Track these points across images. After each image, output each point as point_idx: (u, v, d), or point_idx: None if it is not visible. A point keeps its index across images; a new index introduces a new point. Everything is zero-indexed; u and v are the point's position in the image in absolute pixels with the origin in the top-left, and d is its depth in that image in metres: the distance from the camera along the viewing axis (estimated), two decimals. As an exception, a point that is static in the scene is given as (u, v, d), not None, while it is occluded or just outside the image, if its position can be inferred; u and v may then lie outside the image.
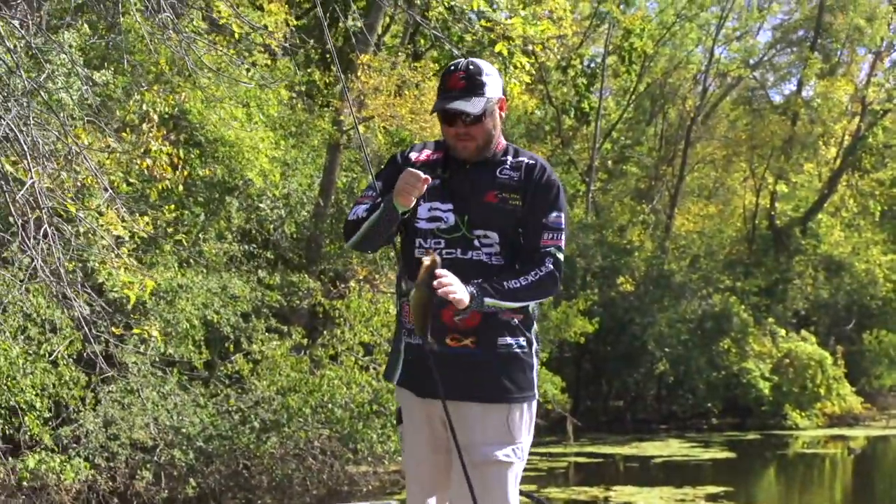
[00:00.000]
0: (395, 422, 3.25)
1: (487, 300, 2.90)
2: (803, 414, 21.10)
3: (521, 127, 20.88)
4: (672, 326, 20.87)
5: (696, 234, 24.58)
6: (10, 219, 5.43)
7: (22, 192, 4.58)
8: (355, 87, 12.01)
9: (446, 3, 8.26)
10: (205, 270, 10.33)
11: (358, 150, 12.85)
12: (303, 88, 13.70)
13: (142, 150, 6.84)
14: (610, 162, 25.27)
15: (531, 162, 3.09)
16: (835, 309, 25.91)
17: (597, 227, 21.47)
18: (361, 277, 12.23)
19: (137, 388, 9.17)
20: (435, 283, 2.83)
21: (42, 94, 5.61)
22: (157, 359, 9.41)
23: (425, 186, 2.94)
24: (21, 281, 6.12)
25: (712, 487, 12.39)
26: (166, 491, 9.38)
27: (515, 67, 9.17)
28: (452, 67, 3.06)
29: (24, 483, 8.33)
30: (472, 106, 2.97)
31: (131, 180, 8.03)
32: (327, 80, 13.71)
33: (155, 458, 9.30)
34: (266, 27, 9.32)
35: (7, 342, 7.73)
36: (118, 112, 8.34)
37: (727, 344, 21.34)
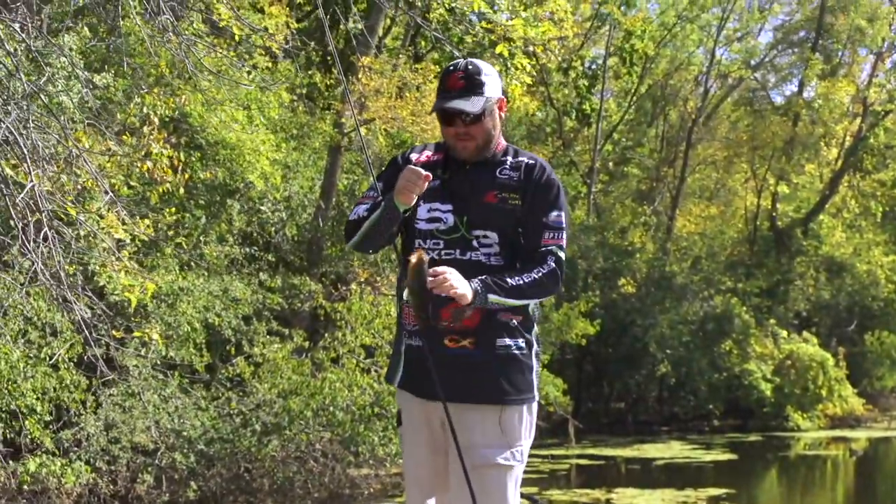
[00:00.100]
0: (395, 424, 3.23)
1: (491, 296, 2.90)
2: (805, 415, 21.07)
3: (523, 129, 20.88)
4: (673, 328, 20.84)
5: (698, 236, 24.56)
6: (11, 222, 5.42)
7: (22, 195, 4.57)
8: (356, 90, 12.00)
9: (447, 5, 8.24)
10: (206, 273, 10.32)
11: (359, 153, 12.85)
12: (304, 91, 13.70)
13: (142, 152, 6.83)
14: (611, 163, 25.26)
15: (531, 162, 3.09)
16: (836, 310, 25.88)
17: (598, 228, 21.45)
18: (363, 280, 12.21)
19: (138, 391, 9.15)
20: (429, 280, 2.81)
21: (42, 97, 5.60)
22: (159, 362, 9.39)
23: (426, 184, 2.94)
24: (22, 284, 6.10)
25: (714, 489, 12.36)
26: (167, 494, 9.36)
27: (516, 69, 9.15)
28: (451, 67, 3.06)
29: (25, 486, 8.31)
30: (471, 105, 2.98)
31: (132, 183, 8.03)
32: (328, 83, 13.70)
33: (156, 461, 9.28)
34: (266, 29, 9.31)
35: (8, 346, 7.72)
36: (119, 115, 8.33)
37: (729, 345, 21.32)
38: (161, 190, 7.59)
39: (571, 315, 16.74)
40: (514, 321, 3.03)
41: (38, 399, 8.13)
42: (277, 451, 10.08)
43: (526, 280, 2.94)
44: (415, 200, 2.96)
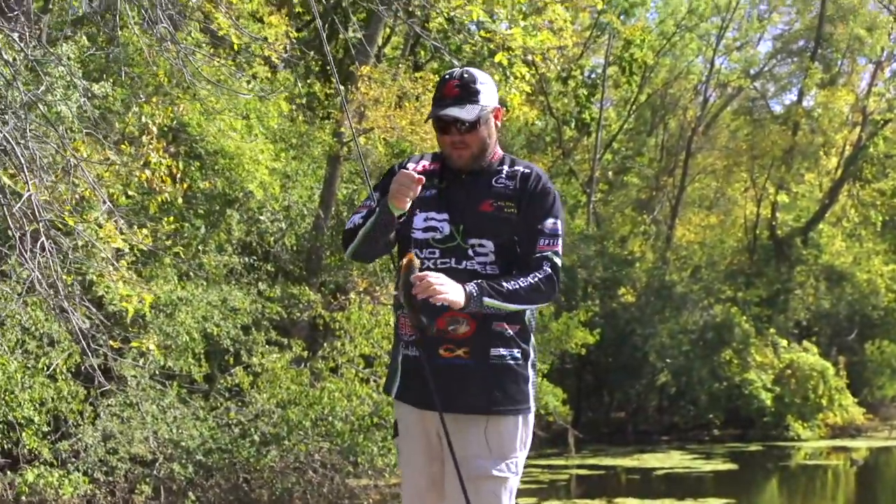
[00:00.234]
0: (392, 434, 3.21)
1: (486, 300, 2.88)
2: (805, 425, 21.02)
3: (522, 138, 20.88)
4: (673, 337, 20.81)
5: (698, 245, 24.55)
6: (9, 232, 5.40)
7: (19, 204, 4.55)
8: (355, 99, 11.99)
9: (446, 14, 8.24)
10: (205, 283, 10.30)
11: (360, 160, 12.83)
12: (303, 101, 13.69)
13: (141, 162, 6.81)
14: (611, 173, 25.26)
15: (526, 171, 3.09)
16: (836, 319, 25.86)
17: (598, 238, 21.44)
18: (362, 289, 12.18)
19: (137, 401, 9.12)
20: (414, 288, 2.80)
21: (40, 106, 5.59)
22: (157, 372, 9.37)
23: (419, 187, 2.93)
24: (19, 294, 6.08)
25: (714, 499, 12.33)
26: (165, 505, 9.33)
27: (515, 77, 9.14)
28: (447, 76, 3.07)
29: (23, 497, 8.28)
30: (467, 113, 2.97)
31: (131, 193, 8.01)
32: (328, 92, 13.70)
33: (154, 472, 9.25)
34: (266, 39, 9.31)
35: (5, 356, 7.69)
36: (117, 124, 8.32)
37: (729, 355, 21.28)
38: (160, 199, 7.57)
39: (571, 324, 16.70)
40: (510, 331, 3.02)
41: (35, 410, 8.10)
42: (276, 461, 10.04)
43: (522, 285, 2.92)
44: (409, 204, 2.95)
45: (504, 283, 2.91)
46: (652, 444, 19.61)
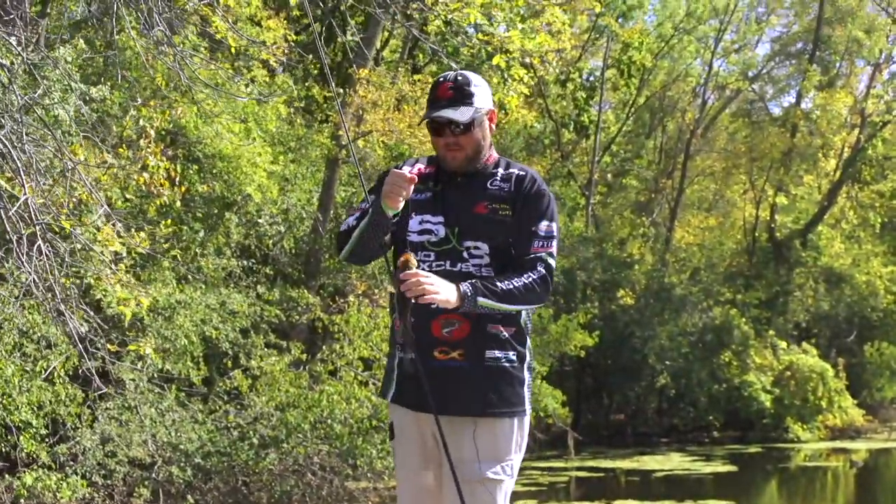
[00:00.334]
0: (389, 437, 3.21)
1: (481, 300, 2.88)
2: (805, 427, 21.02)
3: (521, 140, 20.88)
4: (673, 339, 20.81)
5: (697, 247, 24.55)
6: (6, 235, 5.40)
7: (15, 207, 4.55)
8: (354, 102, 12.00)
9: (444, 17, 8.25)
10: (203, 286, 10.29)
11: (357, 164, 12.83)
12: (301, 104, 13.70)
13: (139, 165, 6.82)
14: (609, 175, 25.27)
15: (521, 173, 3.09)
16: (836, 321, 25.86)
17: (597, 240, 21.44)
18: (360, 292, 12.19)
19: (135, 404, 9.12)
20: (402, 286, 2.80)
21: (37, 110, 5.59)
22: (156, 375, 9.36)
23: (412, 187, 2.94)
24: (16, 298, 6.08)
25: (714, 501, 12.32)
26: (164, 508, 9.33)
27: (513, 79, 9.15)
28: (441, 78, 3.08)
29: (22, 501, 8.27)
30: (460, 114, 2.98)
31: (129, 196, 8.02)
32: (326, 95, 13.71)
33: (153, 475, 9.24)
34: (265, 42, 9.32)
35: (2, 360, 7.69)
36: (115, 128, 8.32)
37: (728, 357, 21.28)
38: (158, 203, 7.58)
39: (570, 327, 16.70)
40: (505, 333, 3.02)
41: (33, 413, 8.10)
42: (275, 464, 10.03)
43: (517, 285, 2.92)
44: (402, 204, 2.95)
45: (498, 283, 2.91)
46: (651, 446, 19.61)
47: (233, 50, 7.26)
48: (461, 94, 3.00)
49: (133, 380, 9.11)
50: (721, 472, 15.73)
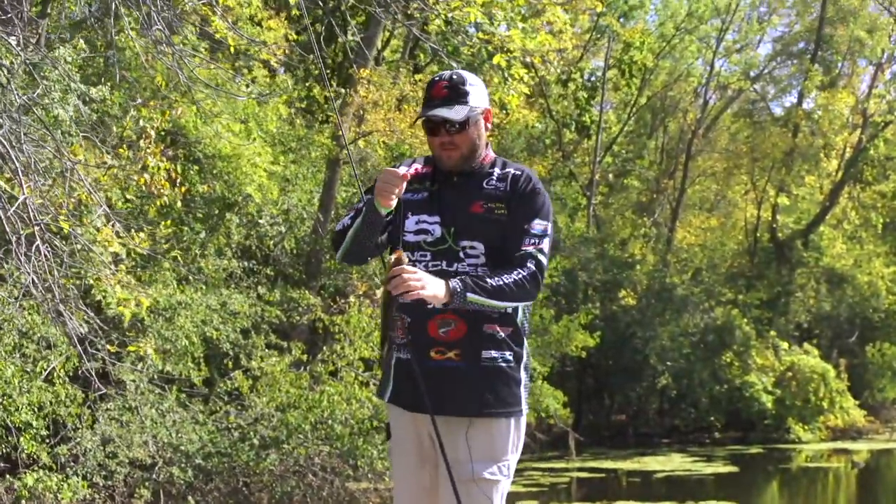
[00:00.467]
0: (385, 438, 3.21)
1: (470, 296, 2.87)
2: (806, 427, 21.00)
3: (522, 141, 20.87)
4: (674, 340, 20.79)
5: (698, 247, 24.53)
6: (6, 236, 5.39)
7: (13, 207, 4.54)
8: (354, 102, 11.98)
9: (444, 16, 8.23)
10: (204, 287, 10.29)
11: (356, 165, 12.82)
12: (302, 105, 13.68)
13: (139, 166, 6.81)
14: (611, 175, 25.25)
15: (517, 172, 3.09)
16: (837, 322, 25.83)
17: (598, 240, 21.42)
18: (361, 293, 12.16)
19: (136, 405, 9.11)
20: (390, 282, 2.79)
21: (37, 110, 5.58)
22: (156, 376, 9.35)
23: (405, 184, 2.93)
24: (16, 298, 6.07)
25: (715, 502, 12.30)
26: (165, 509, 9.32)
27: (513, 78, 9.13)
28: (437, 78, 3.08)
29: (23, 502, 8.26)
30: (454, 113, 2.97)
31: (129, 196, 8.01)
32: (327, 95, 13.69)
33: (154, 476, 9.23)
34: (265, 42, 9.31)
35: (2, 361, 7.68)
36: (115, 128, 8.31)
37: (729, 357, 21.26)
38: (159, 203, 7.56)
39: (571, 327, 16.69)
40: (502, 333, 3.01)
41: (34, 414, 8.09)
42: (276, 465, 10.02)
43: (507, 281, 2.91)
44: (395, 202, 2.94)
45: (488, 280, 2.89)
46: (653, 446, 19.58)
47: (232, 49, 7.24)
48: (456, 93, 2.99)
49: (134, 381, 9.10)
50: (722, 472, 15.71)
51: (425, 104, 3.03)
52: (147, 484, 9.14)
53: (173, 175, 7.52)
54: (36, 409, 8.15)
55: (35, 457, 8.31)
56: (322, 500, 10.32)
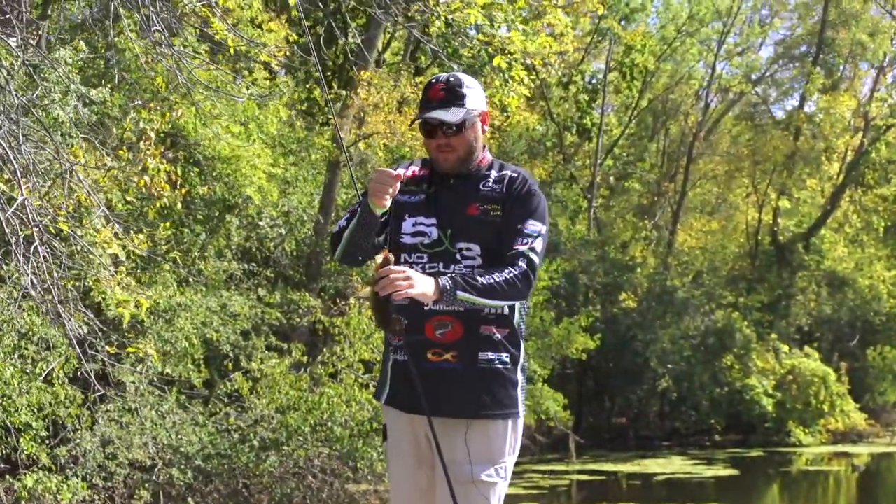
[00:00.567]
0: (382, 440, 3.22)
1: (460, 294, 2.87)
2: (807, 430, 20.99)
3: (523, 143, 20.88)
4: (675, 343, 20.79)
5: (699, 250, 24.53)
6: (5, 237, 5.40)
7: (12, 209, 4.55)
8: (355, 104, 11.99)
9: (444, 17, 8.24)
10: (204, 289, 10.30)
11: (357, 167, 12.83)
12: (303, 107, 13.69)
13: (139, 167, 6.81)
14: (612, 178, 25.24)
15: (514, 174, 3.10)
16: (838, 325, 25.81)
17: (599, 243, 21.42)
18: (361, 294, 12.17)
19: (135, 406, 9.12)
20: (378, 283, 2.79)
21: (36, 111, 5.59)
22: (156, 378, 9.36)
23: (398, 184, 2.94)
24: (15, 299, 6.08)
25: (715, 505, 12.31)
26: (165, 510, 9.32)
27: (513, 80, 9.14)
28: (434, 80, 3.09)
29: (22, 503, 8.27)
30: (451, 115, 2.98)
31: (129, 198, 8.02)
32: (326, 98, 13.69)
33: (153, 477, 9.23)
34: (265, 45, 9.31)
35: (2, 362, 7.69)
36: (115, 130, 8.32)
37: (730, 360, 21.25)
38: (159, 205, 7.57)
39: (572, 329, 16.69)
40: (499, 335, 3.01)
41: (33, 415, 8.10)
42: (276, 466, 10.03)
43: (497, 280, 2.91)
44: (389, 202, 2.95)
45: (479, 278, 2.90)
46: (653, 449, 19.58)
47: (232, 51, 7.25)
48: (453, 96, 3.00)
49: (133, 382, 9.11)
50: (723, 475, 15.71)
51: (422, 106, 3.04)
52: (147, 485, 9.15)
53: (173, 177, 7.53)
54: (35, 410, 8.16)
55: (35, 458, 8.31)
56: (322, 502, 10.32)
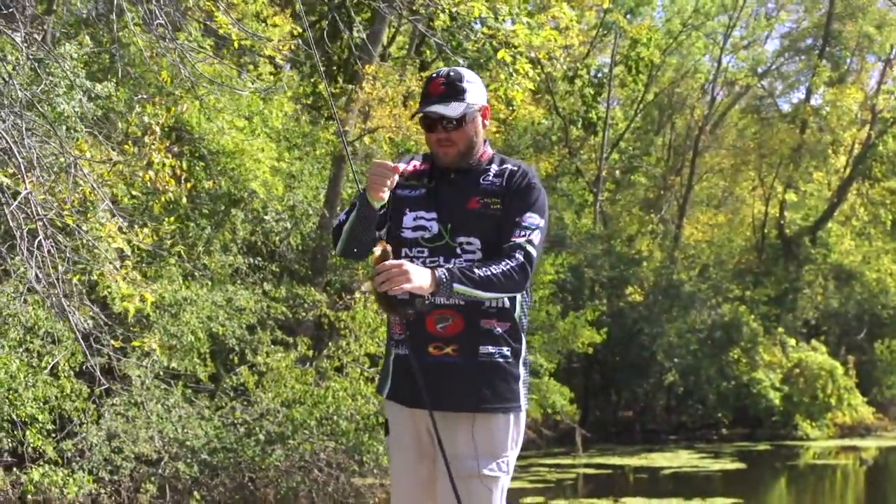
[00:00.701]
0: (384, 434, 3.21)
1: (457, 286, 2.86)
2: (814, 424, 20.96)
3: (528, 137, 20.85)
4: (681, 336, 20.77)
5: (706, 244, 24.49)
6: (10, 231, 5.41)
7: (16, 202, 4.56)
8: (360, 99, 11.98)
9: (448, 10, 8.23)
10: (210, 283, 10.31)
11: (362, 161, 12.83)
12: (309, 101, 13.70)
13: (144, 162, 6.82)
14: (618, 172, 25.21)
15: (514, 168, 3.09)
16: (845, 318, 25.76)
17: (605, 237, 21.41)
18: (367, 289, 12.17)
19: (141, 400, 9.14)
20: (376, 279, 2.79)
21: (41, 106, 5.60)
22: (162, 372, 9.38)
23: (396, 176, 2.94)
24: (20, 293, 6.10)
25: (722, 499, 12.29)
26: (171, 504, 9.35)
27: (518, 73, 9.12)
28: (434, 74, 3.09)
29: (29, 496, 8.30)
30: (451, 110, 2.98)
31: (134, 192, 8.03)
32: (333, 91, 13.71)
33: (159, 471, 9.26)
34: (270, 39, 9.32)
35: (7, 356, 7.71)
36: (120, 124, 8.34)
37: (737, 354, 21.23)
38: (164, 199, 7.58)
39: (578, 323, 16.69)
40: (499, 329, 3.01)
41: (39, 408, 8.12)
42: (281, 460, 10.05)
43: (494, 272, 2.90)
44: (387, 194, 2.95)
45: (476, 270, 2.89)
46: (660, 443, 19.57)
47: (236, 45, 7.25)
48: (453, 90, 3.00)
49: (139, 376, 9.13)
50: (730, 469, 15.69)
51: (423, 101, 3.04)
52: (153, 479, 9.18)
53: (178, 171, 7.54)
54: (41, 404, 8.18)
55: (41, 451, 8.34)
56: (327, 496, 10.34)
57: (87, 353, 5.76)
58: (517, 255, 2.94)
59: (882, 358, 25.37)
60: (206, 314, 9.79)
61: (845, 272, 25.32)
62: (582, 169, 22.87)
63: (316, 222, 12.49)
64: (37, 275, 4.95)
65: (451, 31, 10.69)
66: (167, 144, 7.31)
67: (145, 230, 6.31)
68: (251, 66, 11.16)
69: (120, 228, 5.68)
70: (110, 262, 5.76)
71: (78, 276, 6.40)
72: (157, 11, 5.04)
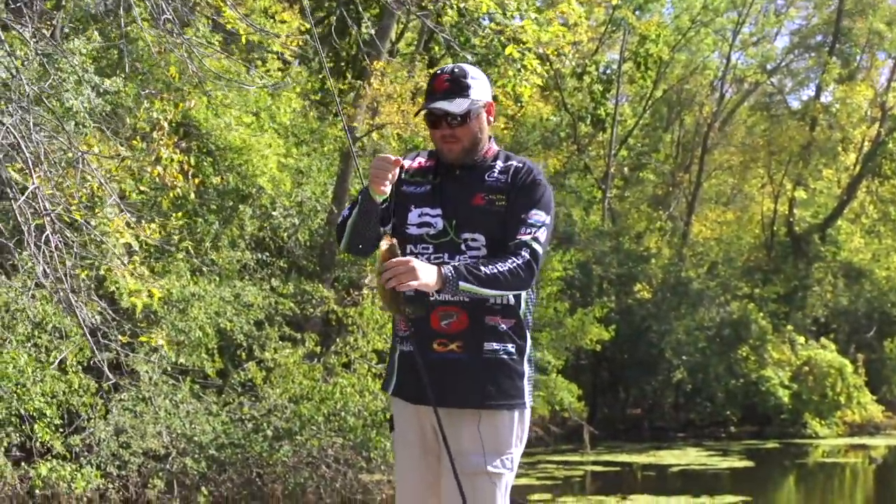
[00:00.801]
0: (389, 430, 3.21)
1: (462, 284, 2.85)
2: (823, 422, 20.90)
3: (537, 134, 20.83)
4: (690, 334, 20.74)
5: (714, 241, 24.45)
6: (18, 226, 5.42)
7: (23, 198, 4.56)
8: (368, 95, 11.98)
9: (456, 6, 8.22)
10: (218, 279, 10.33)
11: (370, 157, 12.83)
12: (317, 97, 13.70)
13: (152, 157, 6.83)
14: (626, 169, 25.17)
15: (519, 165, 3.09)
16: (855, 316, 25.69)
17: (613, 234, 21.38)
18: (375, 285, 12.18)
19: (149, 396, 9.16)
20: (383, 275, 2.78)
21: (49, 101, 5.60)
22: (170, 367, 9.40)
23: (397, 170, 2.94)
24: (28, 288, 6.11)
25: (730, 497, 12.27)
26: (178, 500, 9.36)
27: (526, 69, 9.10)
28: (439, 71, 3.08)
29: (37, 491, 8.33)
30: (455, 106, 2.98)
31: (142, 188, 8.04)
32: (341, 88, 13.71)
33: (167, 466, 9.28)
34: (278, 35, 9.32)
35: (16, 350, 7.73)
36: (129, 120, 8.35)
37: (745, 351, 21.19)
38: (172, 195, 7.58)
39: (586, 320, 16.67)
40: (504, 325, 3.00)
41: (47, 403, 8.14)
42: (289, 456, 10.06)
43: (500, 269, 2.89)
44: (388, 188, 2.95)
45: (482, 268, 2.88)
46: (668, 440, 19.55)
47: (244, 41, 7.25)
48: (457, 87, 2.99)
49: (147, 371, 9.15)
50: (738, 467, 15.67)
51: (427, 97, 3.03)
52: (160, 474, 9.19)
53: (186, 167, 7.54)
54: (49, 398, 8.20)
55: (49, 446, 8.36)
56: (335, 492, 10.34)
57: (95, 348, 5.76)
58: (523, 253, 2.93)
59: (892, 356, 25.30)
60: (213, 310, 9.80)
61: (855, 270, 25.25)
62: (590, 165, 22.84)
63: (324, 218, 12.50)
64: (45, 270, 4.96)
65: (459, 27, 10.69)
66: (175, 140, 7.31)
67: (153, 225, 6.32)
68: (259, 62, 11.16)
69: (128, 224, 5.68)
70: (118, 258, 5.76)
71: (86, 272, 6.41)
72: (164, 7, 5.04)
